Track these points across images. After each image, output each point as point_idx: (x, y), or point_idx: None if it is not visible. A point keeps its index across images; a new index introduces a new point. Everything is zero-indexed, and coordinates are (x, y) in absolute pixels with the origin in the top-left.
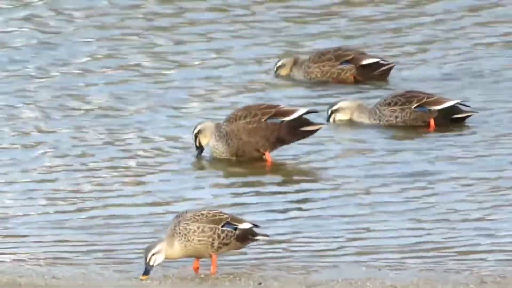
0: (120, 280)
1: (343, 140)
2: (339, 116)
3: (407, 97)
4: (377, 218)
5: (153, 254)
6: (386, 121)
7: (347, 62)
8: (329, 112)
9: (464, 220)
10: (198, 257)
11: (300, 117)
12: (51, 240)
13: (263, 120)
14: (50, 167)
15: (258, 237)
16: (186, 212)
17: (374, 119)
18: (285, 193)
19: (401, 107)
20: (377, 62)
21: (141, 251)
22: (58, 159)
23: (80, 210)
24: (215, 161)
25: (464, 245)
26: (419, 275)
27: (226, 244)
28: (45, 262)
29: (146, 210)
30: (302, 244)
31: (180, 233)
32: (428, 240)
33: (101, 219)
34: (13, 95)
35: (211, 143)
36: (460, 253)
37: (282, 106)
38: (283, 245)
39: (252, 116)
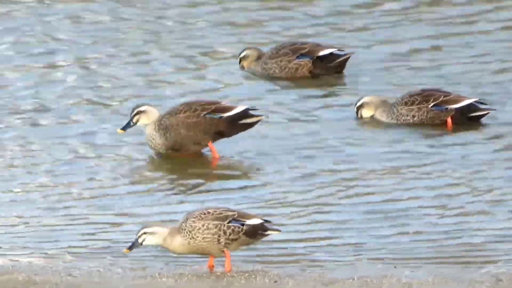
0: (135, 278)
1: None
2: (365, 112)
3: (424, 96)
4: (393, 215)
5: (145, 233)
6: (403, 120)
7: (303, 55)
8: (355, 109)
9: (480, 217)
10: (207, 255)
11: (239, 112)
12: (67, 238)
13: (202, 115)
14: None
15: (269, 232)
16: (195, 210)
17: (392, 118)
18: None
19: (418, 106)
20: (332, 53)
21: (158, 249)
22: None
23: (93, 206)
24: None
25: (482, 243)
26: (434, 273)
27: (235, 240)
28: (61, 259)
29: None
30: (317, 242)
31: (185, 229)
32: (443, 238)
33: (115, 217)
34: None
35: (149, 132)
36: (476, 250)
37: (223, 102)
38: (299, 244)
39: (192, 111)
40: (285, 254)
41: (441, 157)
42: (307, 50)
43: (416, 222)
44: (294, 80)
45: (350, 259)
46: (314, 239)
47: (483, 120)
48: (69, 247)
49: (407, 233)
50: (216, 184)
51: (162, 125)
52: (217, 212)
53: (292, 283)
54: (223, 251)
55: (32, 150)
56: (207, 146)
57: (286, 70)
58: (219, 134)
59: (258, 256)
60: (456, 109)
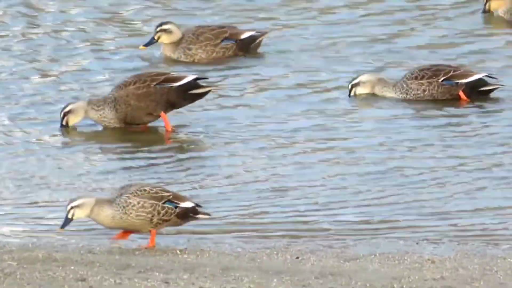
0: (156, 255)
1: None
2: (359, 90)
3: (434, 71)
4: (413, 191)
5: (72, 207)
6: (413, 94)
7: (227, 39)
8: (350, 86)
9: (502, 195)
10: (133, 232)
11: (189, 82)
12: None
13: (152, 85)
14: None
15: (199, 216)
16: (130, 185)
17: (401, 93)
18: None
19: (428, 80)
20: (252, 35)
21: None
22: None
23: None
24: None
25: (504, 217)
26: (457, 249)
27: (166, 221)
28: (81, 237)
29: None
30: (338, 217)
31: (119, 204)
32: (465, 214)
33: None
34: None
35: (94, 116)
36: (498, 226)
37: (172, 73)
38: (320, 219)
39: (142, 82)
40: (307, 229)
41: (461, 132)
42: (228, 33)
43: (436, 200)
44: (221, 62)
45: (372, 234)
46: (335, 215)
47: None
48: (89, 224)
49: (430, 212)
50: (164, 159)
51: (109, 99)
52: (153, 191)
53: (314, 259)
54: (150, 230)
55: None
56: (160, 116)
57: (214, 54)
58: (171, 105)
59: (279, 231)
60: (466, 83)
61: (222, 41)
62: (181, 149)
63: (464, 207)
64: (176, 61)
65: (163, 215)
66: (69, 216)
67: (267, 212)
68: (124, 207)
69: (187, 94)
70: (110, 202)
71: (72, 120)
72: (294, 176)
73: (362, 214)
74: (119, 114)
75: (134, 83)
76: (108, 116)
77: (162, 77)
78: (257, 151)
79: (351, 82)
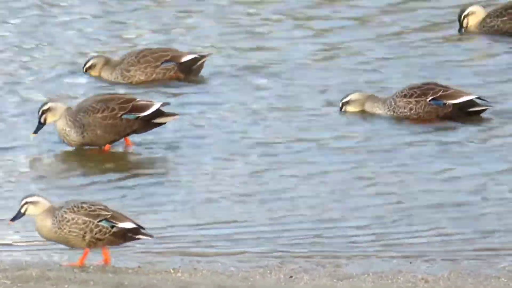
0: (150, 273)
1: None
2: (350, 108)
3: (423, 90)
4: (405, 211)
5: (26, 203)
6: (400, 112)
7: (167, 61)
8: (340, 104)
9: (496, 215)
10: (71, 247)
11: (154, 111)
12: None
13: (119, 115)
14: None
15: (140, 236)
16: (73, 201)
17: (389, 110)
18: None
19: (416, 99)
20: (194, 58)
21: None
22: None
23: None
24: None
25: (498, 238)
26: (450, 268)
27: (100, 240)
28: (74, 255)
29: None
30: (332, 237)
31: (56, 217)
32: (459, 232)
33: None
34: None
35: (61, 127)
36: (492, 247)
37: (138, 99)
38: (314, 239)
39: (110, 111)
40: (300, 248)
41: (448, 153)
42: (170, 56)
43: (431, 218)
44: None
45: (365, 254)
46: (327, 235)
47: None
48: None
49: (423, 229)
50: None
51: (78, 123)
52: (91, 209)
53: (307, 278)
54: (84, 247)
55: None
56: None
57: (154, 76)
58: (133, 132)
59: (273, 251)
60: (454, 104)
61: (162, 63)
62: (143, 168)
63: (458, 226)
64: (114, 83)
65: (96, 233)
66: (22, 210)
67: (261, 231)
68: (59, 221)
69: (151, 123)
70: (53, 215)
71: (50, 119)
72: (285, 193)
73: (355, 233)
74: (84, 140)
75: (102, 111)
76: (72, 137)
77: (130, 105)
78: (238, 165)
79: (342, 100)
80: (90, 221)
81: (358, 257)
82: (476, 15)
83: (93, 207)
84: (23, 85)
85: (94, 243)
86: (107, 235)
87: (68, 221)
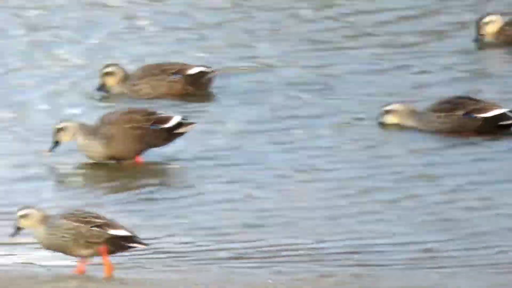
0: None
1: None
2: (389, 119)
3: (455, 104)
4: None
5: (20, 217)
6: (431, 127)
7: (174, 74)
8: (381, 114)
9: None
10: (67, 254)
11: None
12: None
13: (146, 126)
14: None
15: (134, 244)
16: (68, 208)
17: (423, 125)
18: None
19: (447, 113)
20: (202, 71)
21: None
22: None
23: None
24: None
25: None
26: (493, 281)
27: (97, 244)
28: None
29: None
30: (369, 250)
31: (48, 225)
32: (501, 245)
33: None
34: None
35: (81, 142)
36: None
37: (159, 112)
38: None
39: (137, 122)
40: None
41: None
42: (177, 69)
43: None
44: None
45: (403, 266)
46: (365, 246)
47: None
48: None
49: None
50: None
51: (102, 135)
52: (82, 216)
53: None
54: (82, 254)
55: None
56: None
57: (161, 89)
58: (156, 144)
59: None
60: (485, 118)
61: (169, 75)
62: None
63: (502, 239)
64: (121, 96)
65: (89, 237)
66: (18, 225)
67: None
68: (51, 227)
69: (172, 134)
70: (46, 222)
71: (64, 138)
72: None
73: (393, 243)
74: (110, 152)
75: (130, 122)
76: (97, 150)
77: (154, 117)
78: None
79: (382, 110)
80: (81, 226)
81: (397, 269)
82: (494, 24)
83: (85, 214)
84: None
85: (91, 247)
86: (102, 238)
87: (59, 227)
